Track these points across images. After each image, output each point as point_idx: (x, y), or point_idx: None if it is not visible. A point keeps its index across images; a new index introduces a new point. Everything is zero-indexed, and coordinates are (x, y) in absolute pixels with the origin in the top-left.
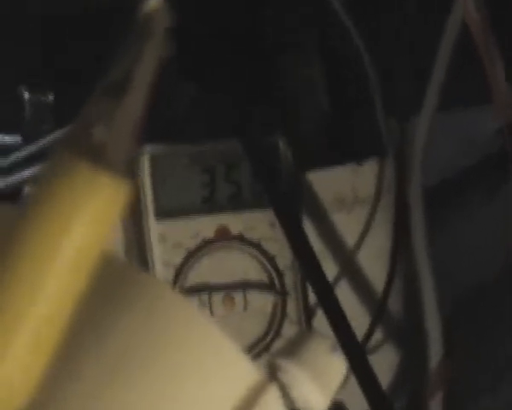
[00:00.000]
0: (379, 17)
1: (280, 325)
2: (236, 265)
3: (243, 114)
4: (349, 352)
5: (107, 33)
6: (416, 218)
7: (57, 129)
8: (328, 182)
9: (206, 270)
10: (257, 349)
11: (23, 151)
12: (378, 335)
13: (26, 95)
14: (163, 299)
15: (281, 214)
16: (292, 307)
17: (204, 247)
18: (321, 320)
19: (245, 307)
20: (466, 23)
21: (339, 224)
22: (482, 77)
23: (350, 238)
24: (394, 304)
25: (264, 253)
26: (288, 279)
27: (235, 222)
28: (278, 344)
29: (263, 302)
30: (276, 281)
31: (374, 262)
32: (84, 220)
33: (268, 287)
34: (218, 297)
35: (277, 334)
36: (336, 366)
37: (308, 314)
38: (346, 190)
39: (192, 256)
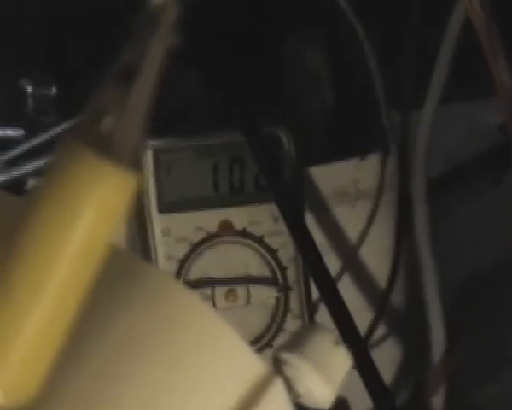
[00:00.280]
0: (382, 13)
1: (282, 320)
2: (239, 259)
3: (247, 109)
4: (351, 346)
5: (100, 36)
6: (419, 211)
7: (60, 122)
8: (330, 176)
9: (209, 264)
10: (259, 343)
11: (26, 144)
12: (381, 329)
13: (29, 88)
14: (166, 289)
15: (284, 209)
16: (294, 302)
17: (207, 241)
18: (323, 315)
19: (248, 301)
20: (469, 17)
21: (342, 218)
22: (485, 70)
23: (353, 232)
24: (397, 298)
25: (266, 247)
26: (291, 274)
27: (239, 216)
28: (281, 338)
29: (265, 296)
30: (279, 275)
31: (376, 256)
32: (91, 210)
33: (271, 281)
34: (220, 291)
35: (280, 328)
36: (341, 358)
37: (311, 309)
38: (348, 184)
39: (195, 250)
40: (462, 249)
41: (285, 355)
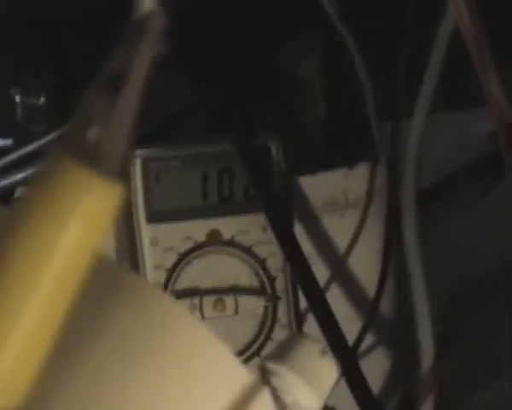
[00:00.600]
0: (373, 25)
1: (271, 329)
2: (228, 268)
3: (236, 118)
4: (340, 356)
5: (99, 36)
6: (409, 221)
7: (50, 131)
8: (319, 186)
9: (197, 273)
10: (247, 353)
11: (15, 154)
12: (369, 339)
13: (18, 97)
14: (153, 301)
15: (272, 218)
16: (283, 311)
17: (195, 250)
18: (312, 324)
19: (236, 311)
20: (458, 28)
21: (330, 227)
22: (474, 79)
23: (341, 242)
24: (386, 308)
25: (255, 257)
26: (279, 283)
27: (227, 226)
28: (269, 348)
29: (254, 306)
30: (267, 285)
31: (365, 266)
32: (77, 221)
33: (259, 291)
34: (209, 301)
35: (268, 338)
36: (328, 369)
37: (299, 318)
38: (337, 193)
39: (183, 260)
40: (452, 260)
41: (272, 365)
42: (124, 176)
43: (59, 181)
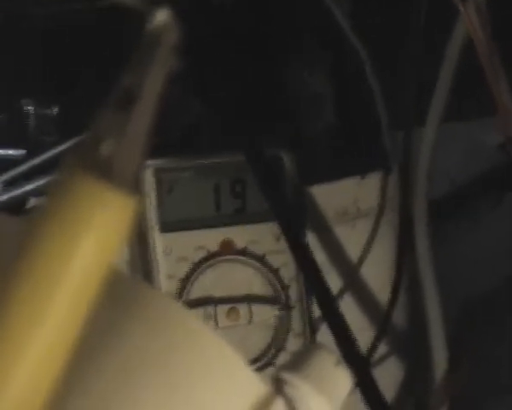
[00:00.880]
0: (384, 33)
1: (284, 338)
2: (241, 278)
3: (248, 128)
4: (353, 365)
5: (111, 47)
6: (421, 231)
7: (62, 142)
8: (332, 195)
9: (210, 283)
10: (261, 362)
11: (27, 164)
12: (382, 348)
13: (30, 108)
14: (166, 312)
15: (285, 228)
16: (296, 320)
17: (209, 260)
18: (325, 333)
19: (250, 320)
20: (470, 38)
21: (343, 237)
22: (485, 89)
23: (354, 252)
24: (398, 317)
25: (268, 266)
26: (293, 292)
27: (240, 235)
28: (282, 357)
29: (267, 315)
30: (281, 294)
31: (378, 276)
32: (92, 236)
33: (272, 300)
34: (222, 310)
35: (282, 347)
36: (342, 379)
37: (312, 327)
38: (349, 203)
39: (197, 269)
40: (463, 269)
41: (286, 375)
42: (137, 189)
43: (73, 194)
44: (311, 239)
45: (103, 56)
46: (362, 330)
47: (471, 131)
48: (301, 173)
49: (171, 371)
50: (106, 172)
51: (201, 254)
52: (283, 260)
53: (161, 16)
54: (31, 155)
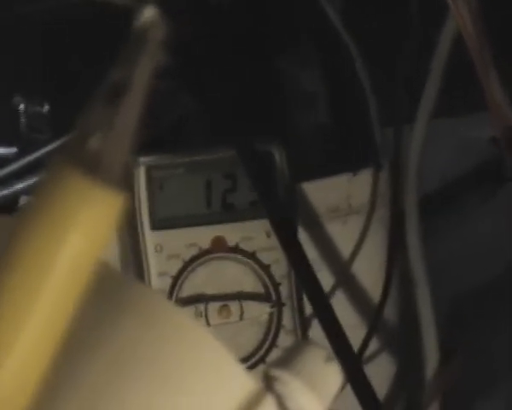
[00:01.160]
0: (375, 30)
1: (276, 335)
2: (232, 275)
3: (239, 124)
4: (345, 362)
5: (103, 44)
6: (412, 227)
7: (54, 139)
8: (323, 192)
9: (202, 280)
10: (253, 359)
11: (19, 162)
12: (374, 344)
13: (22, 105)
14: (157, 308)
15: (276, 224)
16: (288, 318)
17: (200, 257)
18: (317, 330)
19: (241, 318)
20: (460, 33)
21: (334, 233)
22: (476, 84)
23: (345, 248)
24: (390, 314)
25: (259, 263)
26: (284, 289)
27: (232, 232)
28: (274, 354)
29: (259, 312)
30: (272, 291)
31: (369, 272)
32: (79, 231)
33: (264, 297)
34: (214, 307)
35: (273, 344)
36: (332, 375)
37: (304, 324)
38: (340, 199)
39: (188, 266)
40: (455, 265)
41: (276, 372)
42: (125, 184)
43: (60, 190)
44: (303, 236)
45: (95, 55)
46: (353, 327)
47: (461, 127)
48: (292, 170)
49: (161, 364)
50: (93, 167)
51: (193, 252)
52: (274, 257)
53: (148, 13)
54: (22, 153)
